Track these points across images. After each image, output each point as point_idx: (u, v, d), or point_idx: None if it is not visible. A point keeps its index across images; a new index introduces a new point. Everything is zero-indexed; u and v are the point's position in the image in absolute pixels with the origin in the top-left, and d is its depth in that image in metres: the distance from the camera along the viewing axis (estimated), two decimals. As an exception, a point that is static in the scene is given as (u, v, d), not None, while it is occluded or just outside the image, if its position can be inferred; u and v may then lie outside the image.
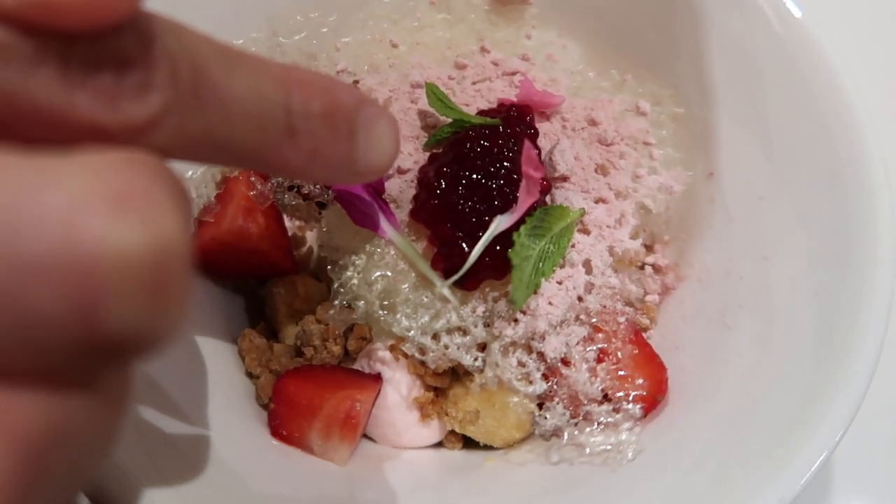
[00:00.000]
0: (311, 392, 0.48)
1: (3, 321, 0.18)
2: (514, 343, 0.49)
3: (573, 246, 0.51)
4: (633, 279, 0.54)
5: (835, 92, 0.50)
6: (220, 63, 0.24)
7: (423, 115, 0.55)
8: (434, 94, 0.53)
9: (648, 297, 0.55)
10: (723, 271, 0.54)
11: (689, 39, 0.56)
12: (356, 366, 0.52)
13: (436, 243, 0.49)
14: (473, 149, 0.49)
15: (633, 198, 0.55)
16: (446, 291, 0.48)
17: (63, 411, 0.20)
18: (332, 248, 0.52)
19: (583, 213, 0.52)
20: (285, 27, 0.58)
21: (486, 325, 0.49)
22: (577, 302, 0.50)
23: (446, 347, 0.49)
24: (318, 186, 0.54)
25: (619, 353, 0.50)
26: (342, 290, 0.50)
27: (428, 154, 0.53)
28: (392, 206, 0.51)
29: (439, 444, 0.54)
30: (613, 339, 0.50)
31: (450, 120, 0.52)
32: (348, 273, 0.50)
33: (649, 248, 0.57)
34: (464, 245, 0.47)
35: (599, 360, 0.49)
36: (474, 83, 0.58)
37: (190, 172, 0.54)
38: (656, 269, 0.56)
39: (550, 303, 0.48)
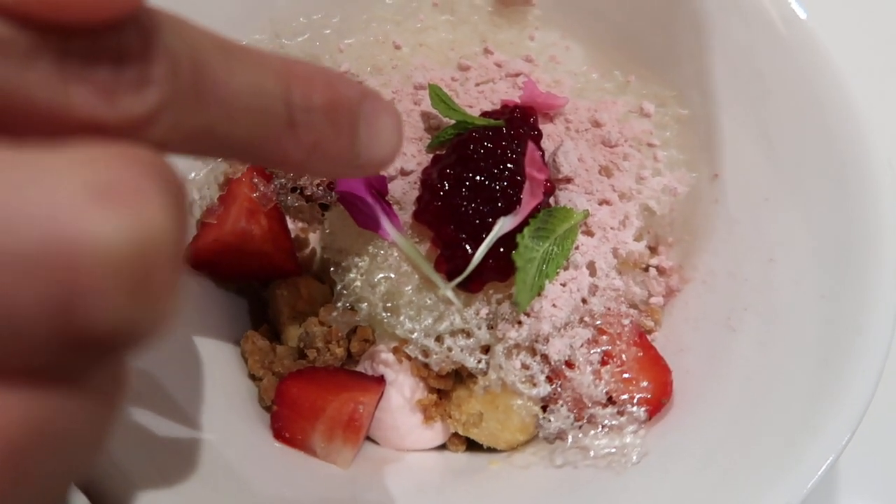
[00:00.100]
0: (314, 394, 0.48)
1: None
2: (517, 345, 0.48)
3: (577, 248, 0.51)
4: (637, 281, 0.54)
5: (840, 94, 0.50)
6: (220, 58, 0.24)
7: (426, 116, 0.55)
8: (437, 95, 0.53)
9: (653, 300, 0.55)
10: (727, 273, 0.54)
11: (692, 41, 0.56)
12: (359, 368, 0.52)
13: (439, 245, 0.49)
14: (477, 150, 0.49)
15: (637, 199, 0.54)
16: (450, 293, 0.47)
17: (47, 410, 0.19)
18: (335, 249, 0.51)
19: (586, 214, 0.52)
20: (288, 29, 0.58)
21: (490, 328, 0.49)
22: (581, 304, 0.50)
23: (450, 350, 0.49)
24: (321, 188, 0.54)
25: (623, 356, 0.49)
26: (345, 292, 0.50)
27: (431, 156, 0.53)
28: (395, 207, 0.51)
29: (442, 447, 0.54)
30: (618, 342, 0.50)
31: (453, 121, 0.52)
32: (351, 275, 0.50)
33: (653, 250, 0.57)
34: (467, 247, 0.47)
35: (604, 363, 0.49)
36: (477, 85, 0.58)
37: (193, 174, 0.54)
38: (660, 271, 0.56)
39: (554, 305, 0.48)
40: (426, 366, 0.50)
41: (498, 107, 0.55)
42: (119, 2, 0.20)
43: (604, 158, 0.55)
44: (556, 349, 0.48)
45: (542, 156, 0.52)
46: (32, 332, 0.18)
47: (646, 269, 0.56)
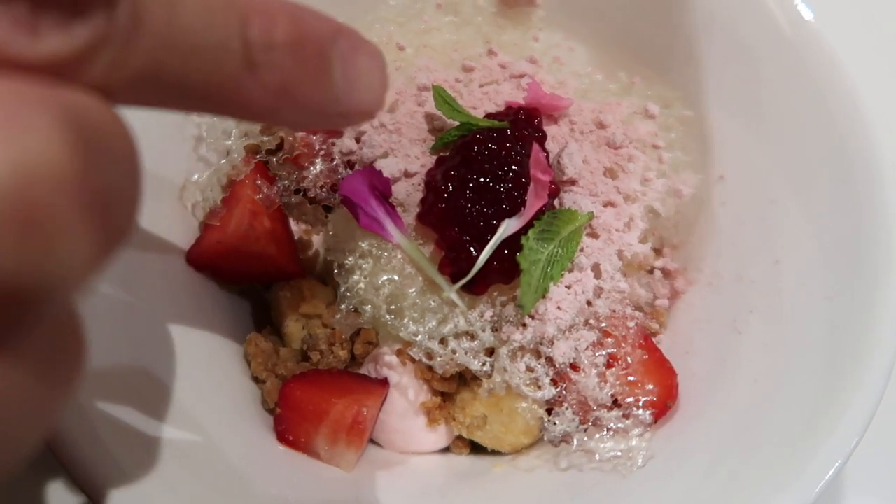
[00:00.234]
0: (318, 397, 0.48)
1: None
2: (522, 348, 0.48)
3: (582, 250, 0.50)
4: (642, 283, 0.54)
5: (845, 95, 0.50)
6: None
7: (430, 118, 0.55)
8: (441, 96, 0.53)
9: (658, 302, 0.55)
10: (733, 275, 0.53)
11: (697, 41, 0.56)
12: (363, 370, 0.52)
13: (443, 247, 0.48)
14: (481, 152, 0.49)
15: (642, 201, 0.54)
16: (454, 296, 0.47)
17: None
18: (339, 251, 0.51)
19: (591, 216, 0.51)
20: (292, 30, 0.58)
21: (494, 330, 0.49)
22: (586, 306, 0.49)
23: (454, 352, 0.48)
24: (324, 190, 0.53)
25: (628, 358, 0.49)
26: (349, 294, 0.50)
27: (435, 157, 0.53)
28: (399, 209, 0.50)
29: (446, 450, 0.54)
30: (623, 344, 0.49)
31: (457, 123, 0.52)
32: (355, 277, 0.50)
33: (658, 252, 0.57)
34: (471, 249, 0.47)
35: (609, 366, 0.49)
36: (481, 86, 0.58)
37: (196, 176, 0.54)
38: (666, 273, 0.56)
39: (559, 307, 0.48)
40: (430, 368, 0.49)
41: (502, 108, 0.55)
42: None
43: (608, 160, 0.55)
44: (561, 352, 0.48)
45: (547, 157, 0.52)
46: None
47: (651, 272, 0.55)
